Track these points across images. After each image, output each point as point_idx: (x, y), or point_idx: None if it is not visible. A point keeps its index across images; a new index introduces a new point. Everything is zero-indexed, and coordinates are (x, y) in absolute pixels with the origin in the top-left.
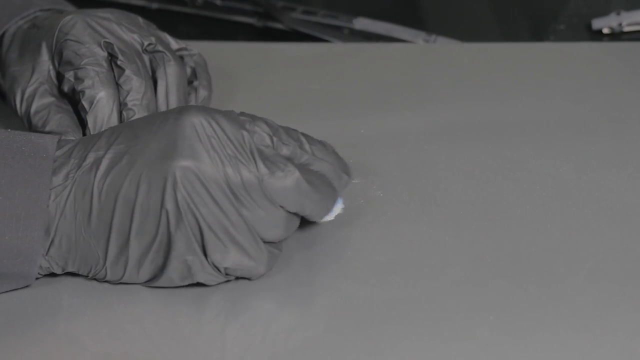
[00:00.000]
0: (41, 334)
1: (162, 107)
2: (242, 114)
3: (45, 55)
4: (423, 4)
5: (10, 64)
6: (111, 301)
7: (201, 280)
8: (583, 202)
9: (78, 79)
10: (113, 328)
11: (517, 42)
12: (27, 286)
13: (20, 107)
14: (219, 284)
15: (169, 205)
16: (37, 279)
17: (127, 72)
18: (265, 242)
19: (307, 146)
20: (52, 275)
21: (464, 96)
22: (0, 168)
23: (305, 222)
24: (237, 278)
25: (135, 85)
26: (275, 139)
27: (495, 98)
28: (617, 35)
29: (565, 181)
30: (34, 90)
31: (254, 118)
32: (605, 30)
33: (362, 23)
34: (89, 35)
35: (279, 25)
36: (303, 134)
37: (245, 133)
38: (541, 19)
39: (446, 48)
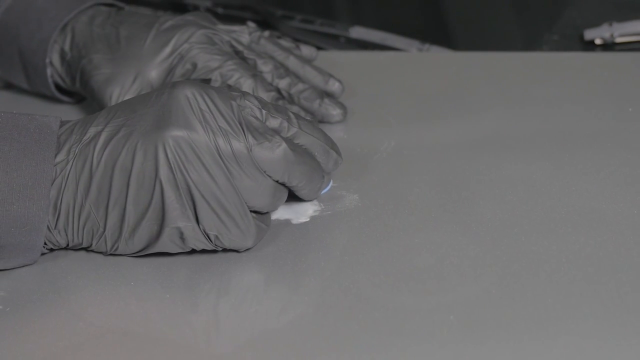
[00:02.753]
0: (46, 310)
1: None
2: (232, 89)
3: (151, 66)
4: (419, 14)
5: (101, 64)
6: (111, 277)
7: (193, 247)
8: (552, 207)
9: (224, 76)
10: (114, 303)
11: (510, 52)
12: (32, 264)
13: None
14: (211, 260)
15: (162, 172)
16: (42, 254)
17: (258, 61)
18: (253, 212)
19: (294, 121)
20: (55, 254)
21: (453, 104)
22: (8, 143)
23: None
24: (225, 250)
25: (269, 66)
26: (264, 112)
27: (485, 106)
28: (609, 46)
29: (537, 187)
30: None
31: (244, 93)
32: (598, 41)
33: (358, 32)
34: (210, 41)
35: (277, 34)
36: (291, 111)
37: (235, 106)
38: (535, 29)
39: (439, 57)
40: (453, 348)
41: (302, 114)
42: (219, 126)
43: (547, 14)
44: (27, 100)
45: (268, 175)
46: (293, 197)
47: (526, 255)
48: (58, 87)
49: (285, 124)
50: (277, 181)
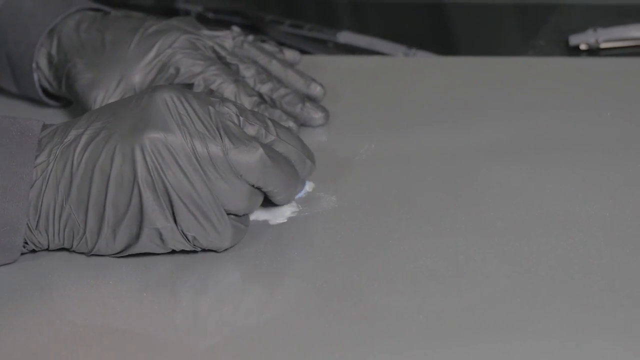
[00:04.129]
0: (27, 307)
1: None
2: (212, 95)
3: (135, 70)
4: (406, 19)
5: (86, 69)
6: (91, 276)
7: (173, 247)
8: (526, 209)
9: (207, 81)
10: (94, 301)
11: (495, 57)
12: (12, 262)
13: None
14: (189, 259)
15: (140, 174)
16: (22, 254)
17: (241, 66)
18: (230, 214)
19: (272, 128)
20: (37, 252)
21: (436, 109)
22: None
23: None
24: (204, 250)
25: (251, 71)
26: (241, 118)
27: (468, 111)
28: (594, 52)
29: (513, 189)
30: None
31: (223, 99)
32: (583, 47)
33: (345, 37)
34: (193, 46)
35: (266, 38)
36: (269, 118)
37: (212, 110)
38: (521, 34)
39: (424, 61)
40: (422, 347)
41: (284, 117)
42: (196, 129)
43: (533, 19)
44: (15, 104)
45: (244, 180)
46: None
47: (498, 257)
48: (46, 92)
49: (263, 131)
50: (252, 185)
